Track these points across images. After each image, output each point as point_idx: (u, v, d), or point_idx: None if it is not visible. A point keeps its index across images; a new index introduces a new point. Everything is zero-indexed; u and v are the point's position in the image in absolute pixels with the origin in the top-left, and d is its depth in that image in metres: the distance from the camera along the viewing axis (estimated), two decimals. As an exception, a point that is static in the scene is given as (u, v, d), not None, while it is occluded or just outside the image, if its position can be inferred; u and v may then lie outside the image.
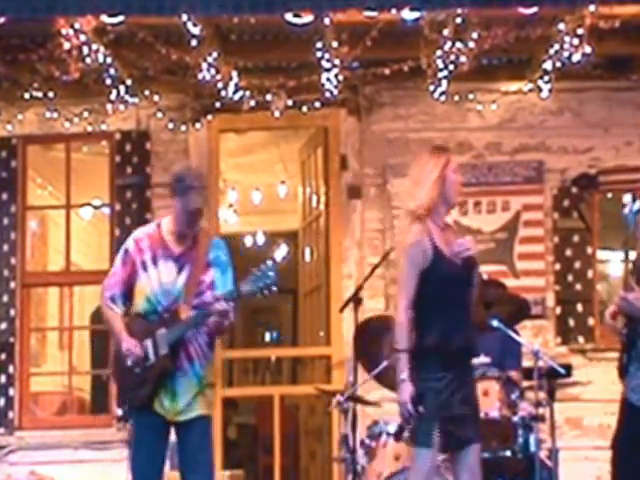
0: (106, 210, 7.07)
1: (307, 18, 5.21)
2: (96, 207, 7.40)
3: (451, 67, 6.14)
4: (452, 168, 4.71)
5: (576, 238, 6.70)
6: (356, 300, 5.60)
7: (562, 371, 5.11)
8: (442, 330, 4.58)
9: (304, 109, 6.73)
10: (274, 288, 4.65)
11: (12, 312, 6.81)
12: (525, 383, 5.57)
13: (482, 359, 5.70)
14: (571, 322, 6.67)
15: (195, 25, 5.49)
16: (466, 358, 4.75)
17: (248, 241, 10.38)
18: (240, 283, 4.68)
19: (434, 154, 4.76)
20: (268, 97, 6.57)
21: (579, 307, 6.69)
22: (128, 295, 4.81)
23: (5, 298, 6.80)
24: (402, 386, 4.51)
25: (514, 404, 5.39)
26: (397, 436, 5.51)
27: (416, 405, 4.49)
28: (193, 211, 4.74)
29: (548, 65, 6.18)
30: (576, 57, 5.94)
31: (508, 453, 5.32)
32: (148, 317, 4.74)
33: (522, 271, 6.62)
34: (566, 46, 5.85)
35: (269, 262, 4.69)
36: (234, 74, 6.33)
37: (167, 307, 4.72)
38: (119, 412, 6.64)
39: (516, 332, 5.61)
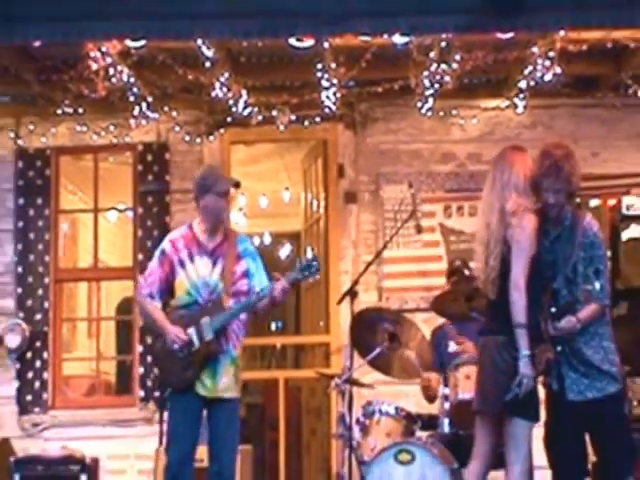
0: (130, 213, 7.06)
1: (308, 42, 5.22)
2: (121, 211, 7.40)
3: (436, 86, 6.14)
4: (531, 168, 4.63)
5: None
6: (352, 293, 5.59)
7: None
8: (536, 315, 4.47)
9: (306, 123, 6.73)
10: (317, 275, 4.84)
11: (46, 304, 6.82)
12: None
13: (467, 345, 5.71)
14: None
15: (209, 48, 5.49)
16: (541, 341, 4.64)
17: (256, 241, 10.34)
18: (289, 274, 4.75)
19: (516, 153, 4.68)
20: (274, 113, 6.57)
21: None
22: (165, 291, 4.82)
23: (40, 292, 6.82)
24: (526, 363, 4.32)
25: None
26: (390, 414, 5.52)
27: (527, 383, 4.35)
28: (218, 213, 4.79)
29: (523, 84, 6.20)
30: (548, 77, 5.95)
31: (487, 430, 5.30)
32: (190, 308, 4.75)
33: (500, 268, 6.61)
34: (539, 67, 5.86)
35: (311, 253, 4.79)
36: (243, 92, 6.34)
37: (207, 297, 4.74)
38: (141, 394, 6.66)
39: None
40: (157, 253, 4.88)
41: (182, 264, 4.79)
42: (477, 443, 4.66)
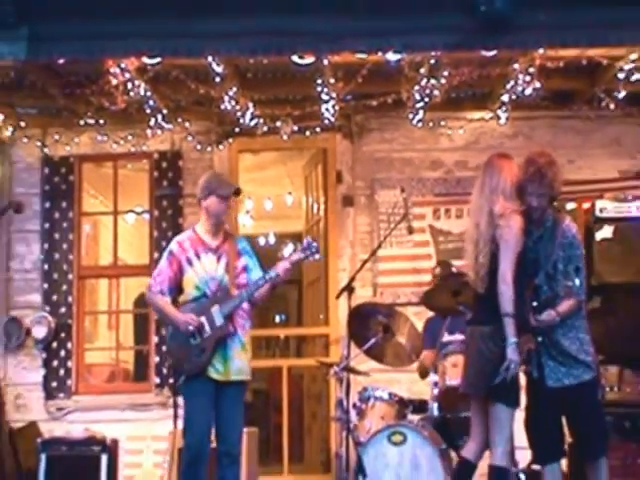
0: (146, 216, 7.06)
1: (309, 59, 5.21)
2: (138, 213, 7.39)
3: (426, 99, 6.14)
4: (517, 175, 4.63)
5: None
6: (349, 289, 5.58)
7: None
8: (521, 308, 4.47)
9: (307, 133, 6.73)
10: (317, 256, 4.79)
11: (70, 299, 6.83)
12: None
13: (454, 337, 5.71)
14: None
15: (218, 65, 5.49)
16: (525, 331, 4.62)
17: (261, 241, 10.38)
18: (291, 255, 4.77)
19: (503, 161, 4.68)
20: (278, 124, 6.57)
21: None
22: (174, 289, 4.83)
23: (64, 287, 6.82)
24: (514, 349, 4.32)
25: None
26: (384, 399, 5.52)
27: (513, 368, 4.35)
28: (220, 214, 4.83)
29: (505, 97, 6.19)
30: (528, 91, 5.95)
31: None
32: (199, 301, 4.76)
33: (484, 265, 6.61)
34: (520, 82, 5.86)
35: (310, 238, 4.83)
36: (250, 105, 6.33)
37: (214, 290, 4.75)
38: (157, 380, 6.66)
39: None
40: (165, 254, 4.89)
41: (190, 262, 4.80)
42: (473, 425, 4.68)
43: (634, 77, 5.56)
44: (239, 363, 4.74)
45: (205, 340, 4.67)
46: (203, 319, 4.67)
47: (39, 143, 6.89)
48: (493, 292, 4.39)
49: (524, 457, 5.10)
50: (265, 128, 6.58)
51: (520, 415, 4.90)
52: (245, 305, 4.78)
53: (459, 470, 4.71)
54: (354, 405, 5.51)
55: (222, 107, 6.21)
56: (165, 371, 6.63)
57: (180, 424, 5.12)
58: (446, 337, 5.75)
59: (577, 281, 4.55)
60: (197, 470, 4.67)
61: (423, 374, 5.77)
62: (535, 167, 4.60)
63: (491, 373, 4.36)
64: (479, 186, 4.69)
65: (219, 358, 4.69)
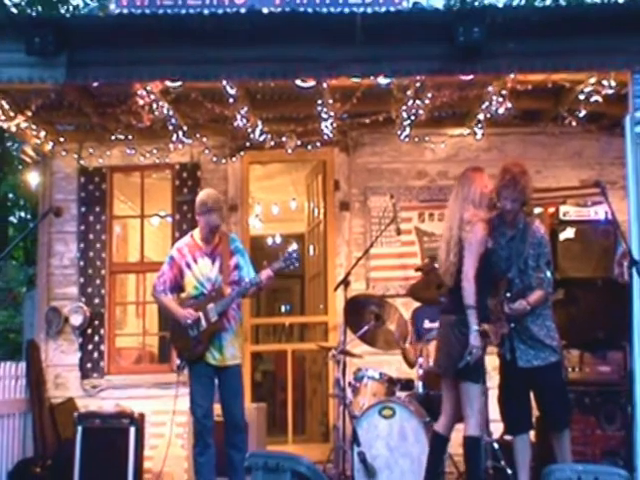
0: (169, 219, 7.05)
1: (311, 83, 5.20)
2: (162, 217, 7.38)
3: (412, 118, 6.13)
4: (489, 187, 4.65)
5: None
6: (345, 283, 5.60)
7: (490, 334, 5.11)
8: (484, 302, 4.50)
9: (309, 147, 6.71)
10: (297, 264, 4.86)
11: (103, 291, 6.82)
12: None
13: (436, 325, 5.69)
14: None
15: (232, 88, 5.48)
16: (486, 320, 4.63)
17: (269, 241, 10.38)
18: (274, 262, 4.83)
19: (475, 174, 4.69)
20: (283, 139, 6.56)
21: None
22: (174, 288, 4.95)
23: (98, 281, 6.82)
24: (475, 336, 4.34)
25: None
26: (375, 378, 5.51)
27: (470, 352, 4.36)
28: (213, 228, 4.93)
29: (481, 116, 6.18)
30: (500, 110, 5.94)
31: (453, 391, 5.28)
32: (197, 298, 4.87)
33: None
34: (493, 103, 5.85)
35: (293, 248, 4.85)
36: (259, 122, 6.33)
37: (210, 289, 4.85)
38: (178, 363, 6.64)
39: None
40: (167, 259, 5.04)
41: (188, 266, 4.92)
42: (444, 402, 4.68)
43: (593, 98, 5.55)
44: (232, 350, 4.88)
45: (201, 333, 4.81)
46: (200, 314, 4.80)
47: (76, 156, 6.88)
48: (459, 286, 4.44)
49: (497, 429, 5.10)
50: (272, 142, 6.57)
51: (494, 392, 4.91)
52: (237, 300, 4.89)
53: (433, 443, 4.71)
54: (349, 384, 5.51)
55: (235, 124, 6.20)
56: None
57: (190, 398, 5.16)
58: (427, 325, 5.76)
59: (548, 273, 4.58)
60: (205, 439, 4.84)
61: (411, 365, 5.76)
62: (510, 175, 4.63)
63: (457, 356, 4.39)
64: (454, 194, 4.73)
65: (215, 347, 4.83)
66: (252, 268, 4.98)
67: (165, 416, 6.43)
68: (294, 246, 4.97)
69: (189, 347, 4.87)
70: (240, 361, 4.98)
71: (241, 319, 5.09)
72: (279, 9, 5.69)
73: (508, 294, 4.62)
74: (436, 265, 5.84)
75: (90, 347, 6.74)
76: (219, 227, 4.99)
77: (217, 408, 4.96)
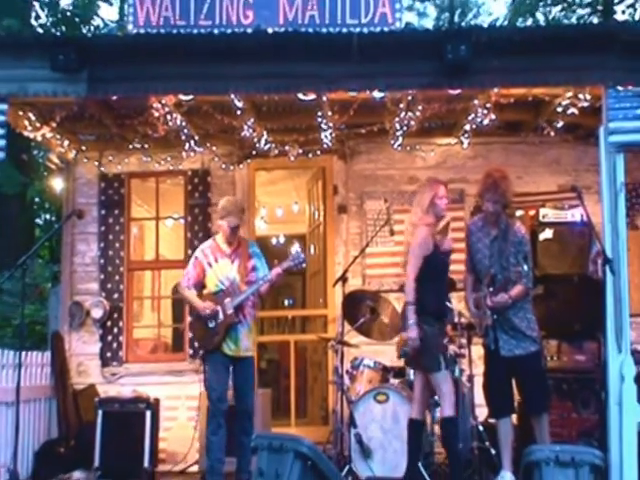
0: (182, 221, 7.05)
1: (311, 96, 5.20)
2: (175, 219, 7.38)
3: (404, 128, 6.14)
4: (439, 195, 4.73)
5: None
6: (343, 279, 5.59)
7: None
8: (434, 297, 4.57)
9: (309, 155, 6.72)
10: (304, 265, 5.02)
11: (121, 287, 6.82)
12: (452, 332, 5.56)
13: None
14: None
15: (239, 101, 5.49)
16: (445, 317, 4.75)
17: (273, 241, 10.37)
18: (282, 262, 4.93)
19: (430, 184, 4.80)
20: (286, 147, 6.57)
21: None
22: (198, 285, 5.08)
23: (117, 277, 6.82)
24: (411, 329, 4.44)
25: (446, 346, 5.36)
26: (370, 367, 5.52)
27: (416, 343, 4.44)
28: (233, 228, 5.01)
29: (467, 127, 6.18)
30: (485, 122, 5.94)
31: (442, 378, 5.29)
32: (217, 294, 5.00)
33: (451, 260, 6.59)
34: (479, 114, 5.85)
35: (299, 249, 4.92)
36: (264, 132, 6.33)
37: (228, 286, 4.99)
38: (190, 352, 6.66)
39: (448, 300, 5.59)
40: (192, 259, 5.17)
41: (210, 265, 5.05)
42: (415, 390, 4.81)
43: (569, 111, 5.55)
44: (247, 343, 4.99)
45: (218, 325, 4.93)
46: (218, 308, 4.92)
47: (96, 163, 6.88)
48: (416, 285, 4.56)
49: (482, 413, 5.11)
50: (276, 151, 6.58)
51: (479, 379, 4.92)
52: (252, 298, 5.01)
53: (410, 429, 4.72)
54: (347, 371, 5.52)
55: (242, 134, 6.20)
56: (196, 344, 6.62)
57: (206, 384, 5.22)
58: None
59: (525, 267, 4.59)
60: (218, 420, 4.92)
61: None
62: (492, 179, 4.67)
63: (417, 351, 4.51)
64: (414, 200, 4.86)
65: (231, 339, 4.94)
66: (268, 270, 5.05)
67: (178, 401, 6.48)
68: (297, 247, 5.07)
69: (207, 337, 4.97)
70: (253, 354, 5.09)
71: (256, 317, 5.20)
72: (283, 29, 5.70)
73: (491, 288, 4.64)
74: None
75: (109, 338, 6.74)
76: (238, 227, 5.06)
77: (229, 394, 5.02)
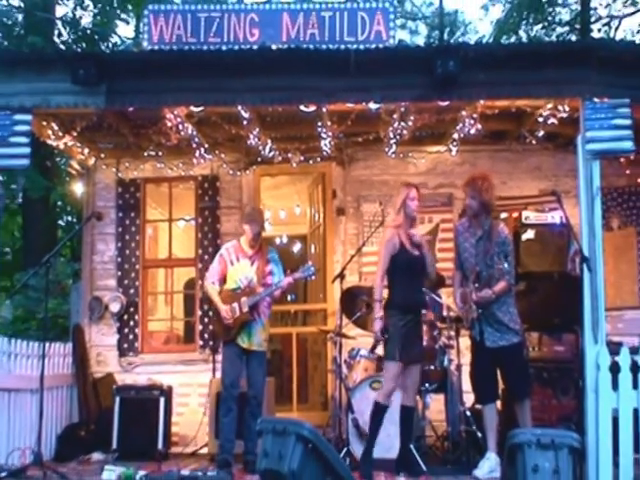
0: (193, 222, 7.05)
1: (312, 108, 5.20)
2: (187, 220, 7.38)
3: (398, 137, 6.14)
4: (410, 197, 4.75)
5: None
6: (341, 276, 5.58)
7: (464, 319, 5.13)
8: (402, 292, 4.61)
9: (310, 162, 6.72)
10: (313, 277, 5.24)
11: (137, 283, 6.82)
12: (442, 325, 5.56)
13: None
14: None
15: (245, 112, 5.49)
16: (419, 310, 4.74)
17: (277, 241, 10.36)
18: (294, 272, 5.09)
19: (403, 187, 4.84)
20: (289, 155, 6.57)
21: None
22: (221, 281, 5.19)
23: (133, 274, 6.82)
24: (376, 322, 4.52)
25: (436, 337, 5.39)
26: (366, 356, 5.51)
27: (383, 334, 4.52)
28: (255, 234, 5.17)
29: (455, 136, 6.18)
30: (472, 131, 5.94)
31: (432, 367, 5.32)
32: (235, 291, 5.12)
33: (440, 258, 6.56)
34: (466, 124, 5.85)
35: (310, 263, 5.17)
36: (269, 141, 6.33)
37: (246, 285, 5.12)
38: (200, 343, 6.66)
39: (438, 295, 5.61)
40: (217, 256, 5.29)
41: (232, 263, 5.17)
42: (401, 380, 4.76)
43: (550, 121, 5.56)
44: (259, 338, 5.09)
45: (235, 320, 5.03)
46: (235, 305, 5.04)
47: (114, 169, 6.88)
48: (388, 283, 4.64)
49: (469, 399, 5.11)
50: (280, 158, 6.58)
51: (466, 368, 4.92)
52: (267, 299, 5.14)
53: (402, 415, 4.73)
54: (345, 361, 5.51)
55: (248, 142, 6.20)
56: (206, 336, 6.63)
57: (217, 374, 5.46)
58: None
59: (506, 265, 4.60)
60: (229, 404, 5.01)
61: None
62: (472, 178, 4.81)
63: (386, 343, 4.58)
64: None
65: (245, 333, 5.05)
66: (283, 276, 5.19)
67: (189, 388, 6.48)
68: (297, 247, 5.14)
69: (224, 330, 5.08)
70: (265, 349, 5.19)
71: (270, 316, 5.31)
72: (286, 46, 5.70)
73: (476, 284, 4.64)
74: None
75: (126, 330, 6.74)
76: (259, 233, 5.19)
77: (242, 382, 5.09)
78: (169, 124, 5.74)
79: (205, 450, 5.84)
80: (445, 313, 5.51)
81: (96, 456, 5.60)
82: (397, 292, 4.62)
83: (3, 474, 4.69)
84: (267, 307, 5.18)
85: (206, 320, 6.61)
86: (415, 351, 4.63)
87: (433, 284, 5.25)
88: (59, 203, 11.26)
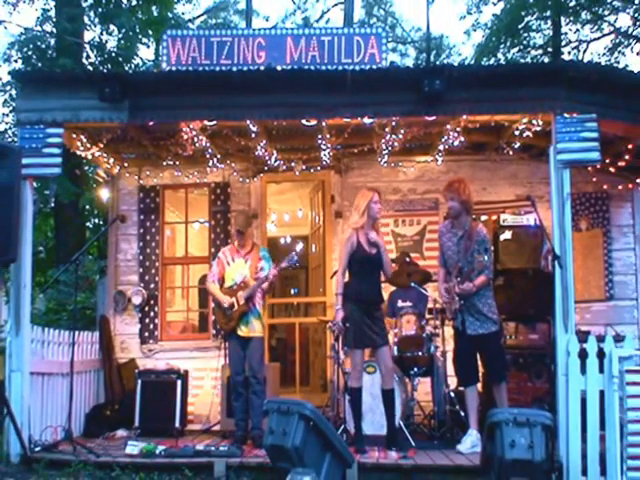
0: (206, 224, 7.05)
1: (313, 122, 5.20)
2: (201, 222, 7.37)
3: (389, 148, 6.13)
4: (374, 200, 4.75)
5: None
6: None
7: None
8: (357, 286, 4.59)
9: (311, 170, 6.70)
10: (297, 264, 5.08)
11: (157, 278, 6.80)
12: (428, 316, 5.56)
13: (407, 303, 5.71)
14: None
15: (253, 126, 5.48)
16: (372, 302, 4.64)
17: (282, 241, 10.35)
18: (281, 262, 5.05)
19: (366, 192, 4.83)
20: (292, 164, 6.56)
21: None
22: (220, 280, 5.26)
23: (153, 271, 6.80)
24: (337, 313, 4.54)
25: (423, 327, 5.38)
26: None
27: (344, 324, 4.50)
28: (237, 230, 5.24)
29: (441, 147, 6.16)
30: (456, 143, 5.93)
31: (420, 353, 5.32)
32: (232, 287, 5.18)
33: (427, 256, 6.58)
34: (451, 137, 5.85)
35: (294, 253, 5.00)
36: (274, 152, 6.33)
37: (241, 281, 5.16)
38: (213, 332, 6.66)
39: (424, 289, 5.61)
40: (216, 259, 5.37)
41: (228, 264, 5.26)
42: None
43: (525, 134, 5.55)
44: (256, 326, 5.15)
45: (234, 312, 5.12)
46: (234, 299, 5.12)
47: (136, 177, 6.87)
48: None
49: (453, 382, 5.11)
50: (284, 167, 6.57)
51: (450, 355, 4.92)
52: (260, 290, 5.18)
53: (383, 398, 4.74)
54: (342, 347, 5.50)
55: (256, 153, 6.20)
56: (218, 326, 6.62)
57: (227, 360, 5.43)
58: (400, 303, 5.76)
59: (485, 257, 4.61)
60: (238, 389, 5.11)
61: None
62: (449, 182, 4.84)
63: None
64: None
65: (243, 323, 5.12)
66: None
67: (203, 372, 6.47)
68: (299, 246, 5.15)
69: (226, 322, 5.16)
70: (261, 334, 5.19)
71: (264, 305, 5.36)
72: (289, 67, 5.70)
73: (458, 278, 4.65)
74: (407, 259, 5.89)
75: (147, 320, 6.73)
76: (240, 231, 5.22)
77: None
78: (185, 136, 5.74)
79: (217, 427, 5.84)
80: (431, 305, 5.52)
81: (120, 433, 5.60)
82: (353, 286, 4.65)
83: (37, 448, 4.70)
84: (261, 297, 5.24)
85: (213, 316, 6.60)
86: (366, 337, 4.61)
87: (389, 280, 5.18)
88: (87, 207, 11.27)
